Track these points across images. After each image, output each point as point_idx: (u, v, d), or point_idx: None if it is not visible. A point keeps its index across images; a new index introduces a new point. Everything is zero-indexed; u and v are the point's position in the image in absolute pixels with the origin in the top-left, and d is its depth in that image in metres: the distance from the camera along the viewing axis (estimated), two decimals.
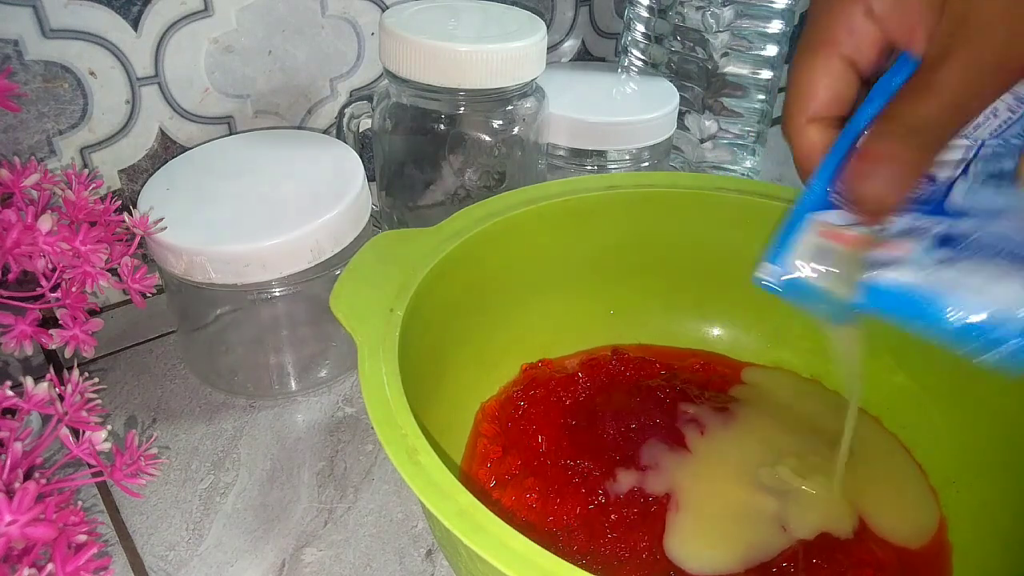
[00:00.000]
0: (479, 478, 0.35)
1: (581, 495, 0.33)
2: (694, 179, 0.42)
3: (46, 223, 0.29)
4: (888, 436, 0.37)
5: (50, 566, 0.24)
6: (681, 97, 0.52)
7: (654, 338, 0.42)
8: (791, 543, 0.31)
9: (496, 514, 0.22)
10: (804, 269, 0.27)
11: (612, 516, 0.32)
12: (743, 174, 0.56)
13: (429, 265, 0.33)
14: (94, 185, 0.34)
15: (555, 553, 0.21)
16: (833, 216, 0.26)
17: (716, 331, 0.43)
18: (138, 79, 0.44)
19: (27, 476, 0.26)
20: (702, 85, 0.53)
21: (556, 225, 0.39)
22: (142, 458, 0.29)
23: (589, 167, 0.50)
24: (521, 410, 0.37)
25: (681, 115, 0.54)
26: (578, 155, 0.50)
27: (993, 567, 0.31)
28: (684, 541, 0.31)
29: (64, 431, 0.28)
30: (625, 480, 0.34)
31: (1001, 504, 0.32)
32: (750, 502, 0.33)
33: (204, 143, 0.44)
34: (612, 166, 0.50)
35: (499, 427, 0.36)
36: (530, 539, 0.21)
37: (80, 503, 0.33)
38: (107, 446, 0.28)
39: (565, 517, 0.32)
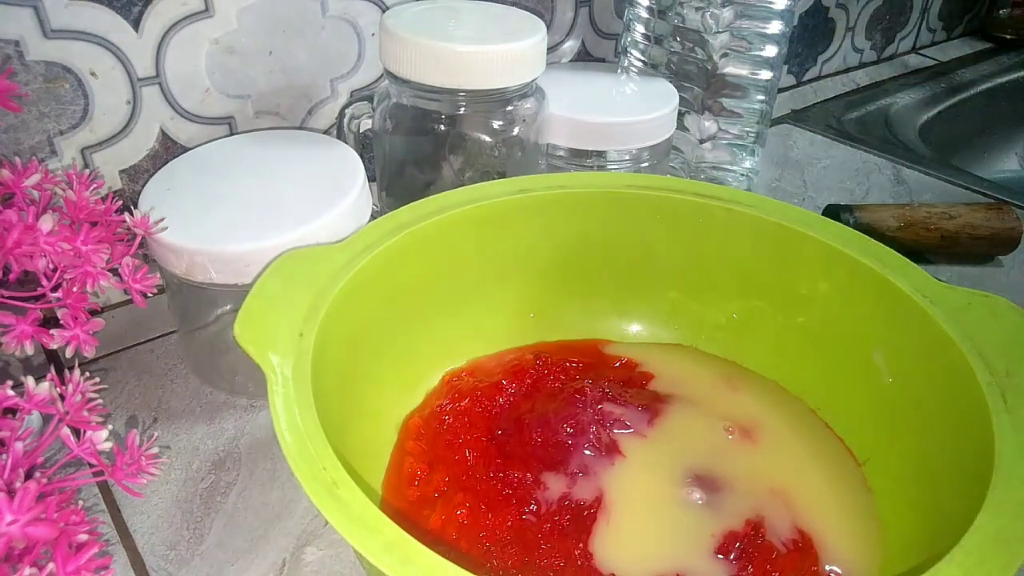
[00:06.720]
0: (406, 497, 0.33)
1: (512, 506, 0.32)
2: (603, 178, 0.42)
3: (47, 223, 0.29)
4: (812, 415, 0.37)
5: (51, 566, 0.24)
6: (681, 98, 0.52)
7: (576, 337, 0.42)
8: (723, 534, 0.31)
9: (426, 535, 0.21)
10: None
11: (545, 526, 0.31)
12: (742, 174, 0.56)
13: (339, 283, 0.31)
14: (95, 185, 0.34)
15: (490, 570, 0.20)
16: None
17: (635, 328, 0.43)
18: (139, 79, 0.44)
19: (28, 476, 0.26)
20: (702, 86, 0.53)
21: (469, 233, 0.38)
22: (143, 458, 0.29)
23: (589, 167, 0.50)
24: (446, 424, 0.36)
25: (681, 115, 0.54)
26: (578, 155, 0.50)
27: (912, 541, 0.30)
28: (616, 545, 0.31)
29: (65, 431, 0.28)
30: (555, 487, 0.33)
31: (913, 478, 0.32)
32: (678, 498, 0.33)
33: (205, 143, 0.44)
34: (612, 166, 0.50)
35: (424, 444, 0.35)
36: (463, 557, 0.20)
37: (81, 503, 0.33)
38: (108, 446, 0.29)
39: (497, 531, 0.31)
